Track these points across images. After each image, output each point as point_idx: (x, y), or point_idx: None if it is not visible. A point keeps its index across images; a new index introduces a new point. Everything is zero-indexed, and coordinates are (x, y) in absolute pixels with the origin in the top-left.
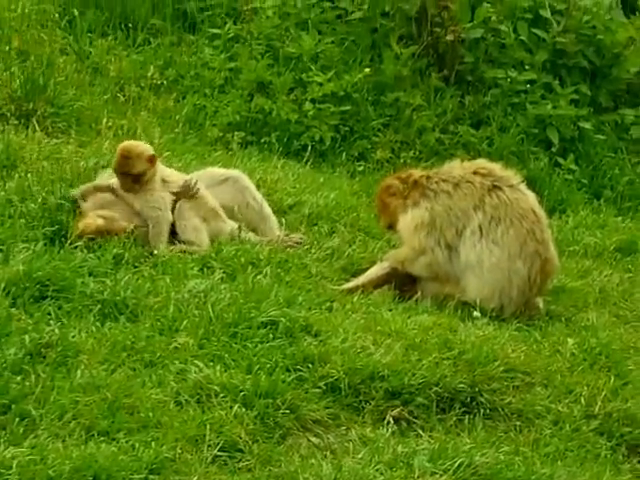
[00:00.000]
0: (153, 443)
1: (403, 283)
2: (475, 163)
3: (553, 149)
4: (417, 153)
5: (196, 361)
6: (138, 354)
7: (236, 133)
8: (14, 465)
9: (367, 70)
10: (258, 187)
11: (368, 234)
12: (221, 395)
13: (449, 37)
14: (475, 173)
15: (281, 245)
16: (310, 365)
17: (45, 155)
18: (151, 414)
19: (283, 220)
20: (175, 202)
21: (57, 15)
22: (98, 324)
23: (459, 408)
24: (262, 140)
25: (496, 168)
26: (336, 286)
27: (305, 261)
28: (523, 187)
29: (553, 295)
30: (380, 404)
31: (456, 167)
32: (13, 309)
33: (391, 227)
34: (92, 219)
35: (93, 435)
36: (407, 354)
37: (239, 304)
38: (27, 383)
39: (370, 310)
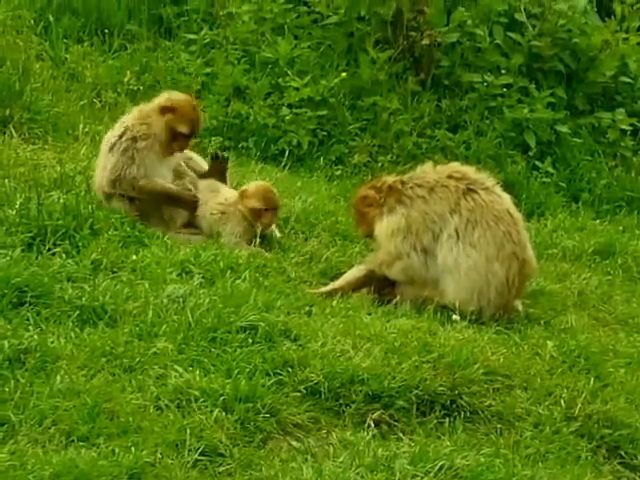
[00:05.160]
0: (133, 448)
1: (382, 287)
2: (449, 167)
3: (530, 153)
4: (394, 157)
5: (176, 366)
6: (117, 359)
7: (213, 138)
8: None
9: (343, 74)
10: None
11: (346, 238)
12: (201, 400)
13: (425, 41)
14: (449, 177)
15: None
16: (290, 369)
17: (22, 161)
18: (131, 419)
19: None
20: None
21: (33, 21)
22: (77, 329)
23: (439, 411)
24: (239, 145)
25: (470, 171)
26: (314, 290)
27: (284, 265)
28: (498, 189)
29: (532, 298)
30: (360, 407)
31: (429, 171)
32: None
33: (369, 236)
34: None
35: (73, 440)
36: (387, 358)
37: (218, 309)
38: (6, 389)
39: (349, 314)
